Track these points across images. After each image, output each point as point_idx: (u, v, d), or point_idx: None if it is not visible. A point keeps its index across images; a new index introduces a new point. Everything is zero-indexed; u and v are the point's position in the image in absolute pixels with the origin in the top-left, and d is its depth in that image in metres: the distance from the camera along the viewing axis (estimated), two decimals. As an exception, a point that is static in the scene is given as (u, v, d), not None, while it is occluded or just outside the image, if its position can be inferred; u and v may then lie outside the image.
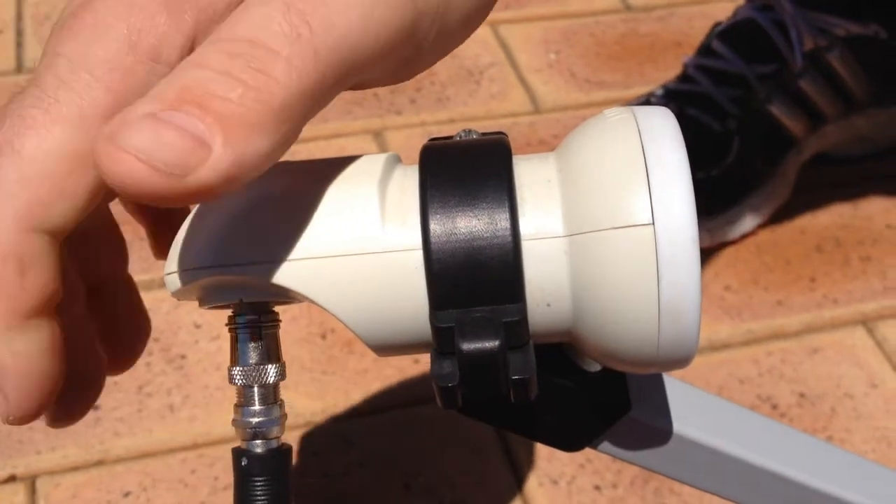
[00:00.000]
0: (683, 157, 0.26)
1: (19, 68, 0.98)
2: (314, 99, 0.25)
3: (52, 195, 0.26)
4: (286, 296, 0.28)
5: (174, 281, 0.28)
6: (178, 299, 0.29)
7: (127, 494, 0.65)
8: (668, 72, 0.98)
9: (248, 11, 0.25)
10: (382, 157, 0.28)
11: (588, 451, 0.34)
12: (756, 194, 0.83)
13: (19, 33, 1.02)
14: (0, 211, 0.26)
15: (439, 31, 0.28)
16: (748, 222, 0.83)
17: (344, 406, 0.71)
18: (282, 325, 0.30)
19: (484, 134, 0.29)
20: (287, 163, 0.29)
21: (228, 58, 0.24)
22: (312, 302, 0.27)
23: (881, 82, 0.84)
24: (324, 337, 0.75)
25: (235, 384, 0.29)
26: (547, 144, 0.92)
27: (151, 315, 0.39)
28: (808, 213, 0.86)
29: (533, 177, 0.28)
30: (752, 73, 0.82)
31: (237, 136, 0.23)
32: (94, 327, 0.35)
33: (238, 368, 0.29)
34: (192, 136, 0.23)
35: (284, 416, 0.29)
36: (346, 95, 0.85)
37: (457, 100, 0.95)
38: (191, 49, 0.27)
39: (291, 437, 0.69)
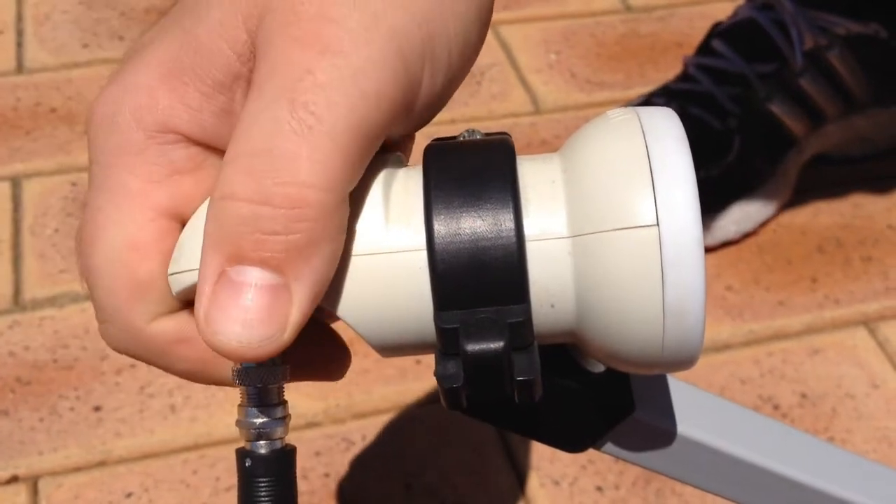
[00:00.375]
0: (688, 158, 0.26)
1: (20, 69, 0.98)
2: (347, 178, 0.25)
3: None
4: None
5: (179, 281, 0.28)
6: (181, 300, 0.29)
7: (129, 495, 0.65)
8: (668, 72, 0.98)
9: (257, 118, 0.25)
10: (387, 158, 0.28)
11: (590, 451, 0.34)
12: (757, 194, 0.83)
13: (19, 34, 1.02)
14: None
15: (436, 70, 0.28)
16: (749, 222, 0.83)
17: (345, 406, 0.71)
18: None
19: (487, 134, 0.29)
20: None
21: (253, 180, 0.25)
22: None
23: (881, 81, 0.84)
24: (325, 337, 0.75)
25: (239, 385, 0.29)
26: (548, 145, 0.92)
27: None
28: (809, 214, 0.86)
29: (537, 177, 0.27)
30: (752, 72, 0.82)
31: (302, 266, 0.25)
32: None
33: (242, 368, 0.28)
34: (268, 289, 0.25)
35: (288, 416, 0.29)
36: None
37: (458, 100, 0.95)
38: (199, 121, 0.28)
39: (293, 438, 0.68)
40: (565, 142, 0.29)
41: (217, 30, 0.27)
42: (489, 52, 1.02)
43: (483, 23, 0.29)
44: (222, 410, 0.70)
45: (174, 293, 0.29)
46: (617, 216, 0.26)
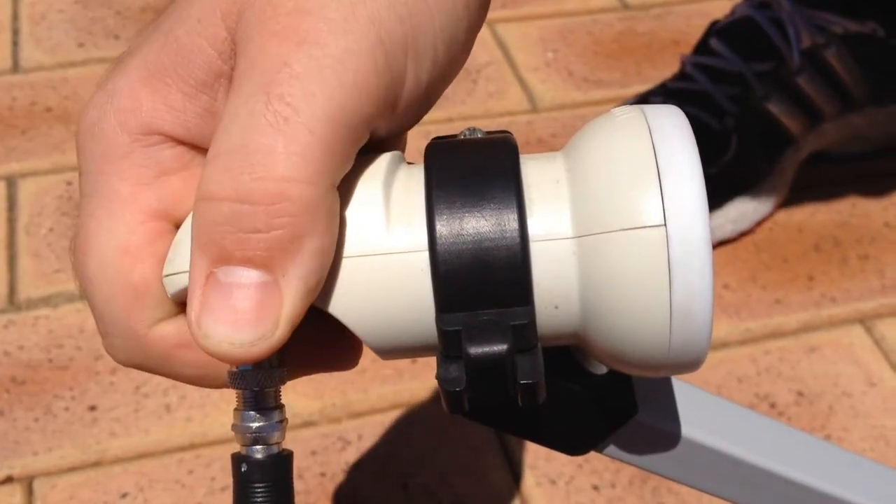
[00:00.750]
0: (695, 157, 0.26)
1: (15, 68, 0.98)
2: (329, 169, 0.25)
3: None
4: None
5: (174, 283, 0.28)
6: (177, 302, 0.29)
7: (124, 495, 0.65)
8: (665, 70, 0.97)
9: (235, 114, 0.25)
10: (386, 157, 0.28)
11: (587, 450, 0.34)
12: (754, 193, 0.83)
13: (15, 33, 1.02)
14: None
15: (421, 63, 0.27)
16: (746, 221, 0.83)
17: (341, 406, 0.71)
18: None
19: (489, 132, 0.29)
20: None
21: (231, 177, 0.24)
22: (315, 305, 0.27)
23: (878, 80, 0.84)
24: (321, 337, 0.74)
25: (235, 388, 0.28)
26: (545, 143, 0.92)
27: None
28: (806, 212, 0.86)
29: (541, 177, 0.27)
30: (749, 72, 0.82)
31: (288, 261, 0.25)
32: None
33: (237, 372, 0.28)
34: (256, 288, 0.25)
35: (285, 420, 0.29)
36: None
37: (454, 99, 0.95)
38: (183, 121, 0.27)
39: (289, 438, 0.68)
40: (569, 140, 0.28)
41: (196, 28, 0.27)
42: (486, 49, 1.02)
43: (472, 21, 0.29)
44: (217, 410, 0.70)
45: (169, 295, 0.28)
46: (623, 216, 0.25)
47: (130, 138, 0.27)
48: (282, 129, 0.24)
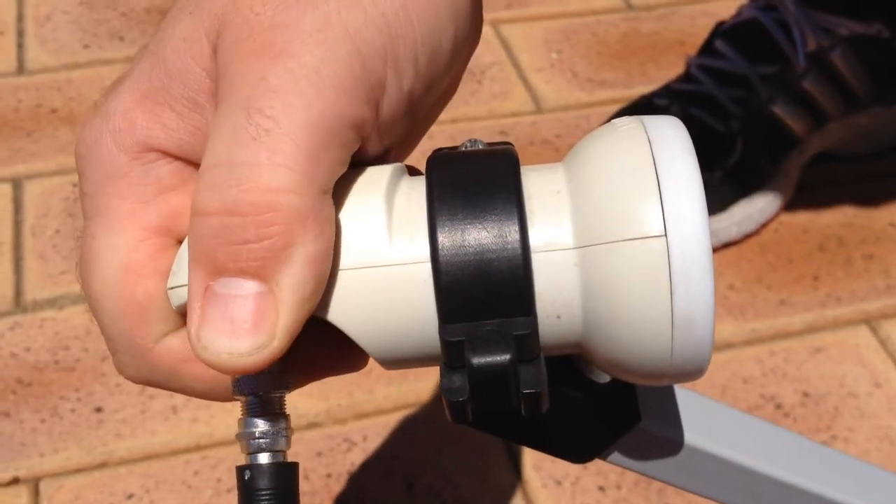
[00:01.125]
0: (695, 167, 0.26)
1: (20, 70, 0.98)
2: (316, 176, 0.25)
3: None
4: None
5: (178, 295, 0.28)
6: (182, 314, 0.29)
7: (130, 496, 0.65)
8: (670, 71, 0.97)
9: (218, 129, 0.26)
10: (388, 169, 0.28)
11: (593, 452, 0.34)
12: (759, 195, 0.83)
13: (20, 35, 1.02)
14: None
15: (401, 71, 0.28)
16: (751, 223, 0.83)
17: (347, 406, 0.71)
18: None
19: (490, 144, 0.29)
20: None
21: (218, 191, 0.25)
22: (319, 316, 0.27)
23: (884, 81, 0.84)
24: (326, 338, 0.74)
25: (238, 394, 0.28)
26: (549, 144, 0.92)
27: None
28: (810, 212, 0.86)
29: (542, 188, 0.27)
30: (754, 74, 0.82)
31: (281, 270, 0.25)
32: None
33: (239, 378, 0.28)
34: (251, 298, 0.25)
35: (290, 430, 0.29)
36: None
37: (458, 99, 0.95)
38: (177, 139, 0.28)
39: (294, 439, 0.68)
40: (570, 151, 0.29)
41: (182, 47, 0.27)
42: (490, 50, 1.02)
43: (459, 32, 0.29)
44: (224, 411, 0.70)
45: (174, 307, 0.28)
46: (624, 226, 0.25)
47: (128, 157, 0.28)
48: (264, 140, 0.25)
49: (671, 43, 1.04)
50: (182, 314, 0.29)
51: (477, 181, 0.27)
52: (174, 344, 0.29)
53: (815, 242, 0.84)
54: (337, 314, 0.27)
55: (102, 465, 0.67)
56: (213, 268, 0.25)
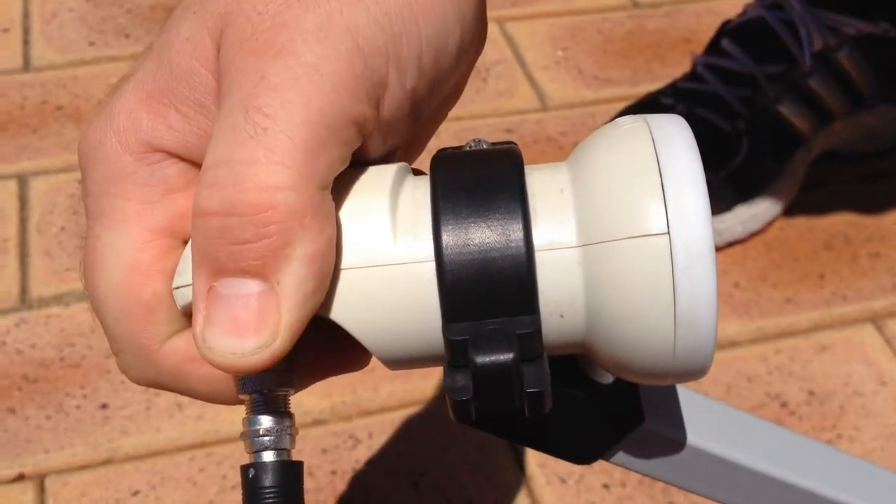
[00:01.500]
0: (698, 165, 0.26)
1: (26, 67, 0.98)
2: (315, 173, 0.25)
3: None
4: None
5: (183, 295, 0.28)
6: (186, 314, 0.29)
7: (136, 493, 0.65)
8: (675, 68, 0.97)
9: (219, 129, 0.26)
10: (392, 168, 0.28)
11: (597, 450, 0.34)
12: (764, 194, 0.83)
13: (26, 32, 1.02)
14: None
15: (404, 70, 0.27)
16: (756, 222, 0.83)
17: (351, 404, 0.71)
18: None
19: (494, 144, 0.29)
20: None
21: (217, 191, 0.25)
22: (322, 315, 0.27)
23: (890, 80, 0.84)
24: (331, 335, 0.74)
25: (242, 393, 0.28)
26: (555, 142, 0.92)
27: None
28: (816, 211, 0.86)
29: (545, 187, 0.27)
30: (761, 73, 0.82)
31: (282, 268, 0.25)
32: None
33: (247, 378, 0.28)
34: (253, 297, 0.25)
35: (295, 429, 0.29)
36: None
37: (464, 97, 0.94)
38: (183, 141, 0.28)
39: (299, 436, 0.69)
40: (574, 150, 0.29)
41: (186, 48, 0.27)
42: (495, 48, 1.02)
43: (465, 33, 0.29)
44: (228, 409, 0.70)
45: (179, 307, 0.28)
46: (627, 224, 0.25)
47: (133, 157, 0.28)
48: (261, 139, 0.25)
49: (677, 40, 1.04)
50: (187, 314, 0.29)
51: (481, 180, 0.27)
52: (179, 345, 0.29)
53: (820, 241, 0.84)
54: (340, 313, 0.27)
55: (108, 462, 0.67)
56: (215, 268, 0.25)
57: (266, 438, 0.28)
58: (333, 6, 0.26)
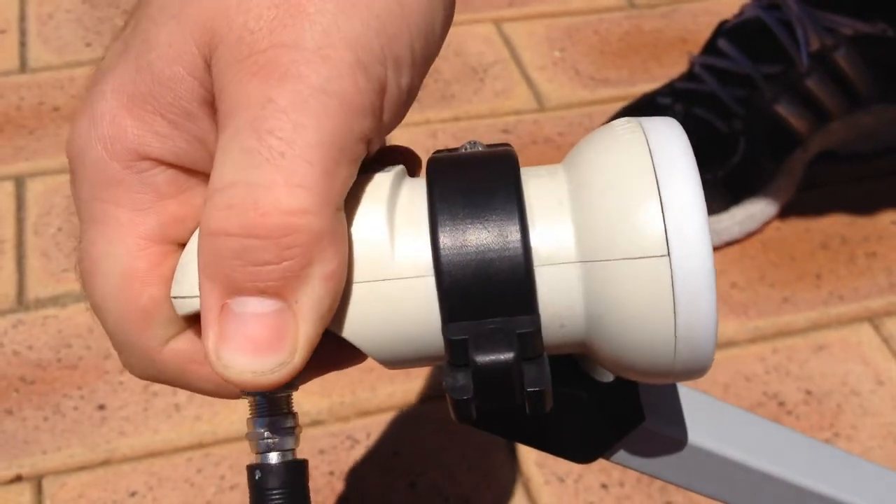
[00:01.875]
0: (696, 181, 0.26)
1: (23, 68, 0.98)
2: (332, 193, 0.25)
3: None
4: None
5: (183, 305, 0.28)
6: (188, 320, 0.29)
7: (133, 494, 0.65)
8: (672, 68, 0.97)
9: (229, 152, 0.25)
10: (389, 178, 0.28)
11: (596, 450, 0.34)
12: (761, 194, 0.83)
13: (23, 33, 1.02)
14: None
15: (400, 69, 0.28)
16: (753, 222, 0.83)
17: (350, 404, 0.71)
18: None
19: (490, 146, 0.29)
20: None
21: (236, 213, 0.25)
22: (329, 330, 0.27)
23: (887, 80, 0.84)
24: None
25: (248, 396, 0.28)
26: (552, 142, 0.92)
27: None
28: (813, 211, 0.86)
29: (541, 190, 0.27)
30: (758, 74, 0.82)
31: (301, 288, 0.25)
32: None
33: None
34: (272, 316, 0.25)
35: (299, 428, 0.29)
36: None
37: (461, 97, 0.95)
38: (171, 147, 0.27)
39: (297, 436, 0.69)
40: (570, 152, 0.29)
41: (169, 53, 0.27)
42: (492, 48, 1.02)
43: (447, 13, 0.29)
44: (227, 409, 0.70)
45: (179, 315, 0.28)
46: (627, 245, 0.26)
47: (121, 165, 0.28)
48: (279, 163, 0.25)
49: (673, 40, 1.04)
50: (188, 321, 0.29)
51: (477, 182, 0.27)
52: (181, 347, 0.29)
53: (817, 241, 0.84)
54: (341, 326, 0.27)
55: (105, 463, 0.67)
56: (230, 287, 0.25)
57: (270, 440, 0.28)
58: (329, 20, 0.26)
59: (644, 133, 0.27)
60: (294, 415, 0.29)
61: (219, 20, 0.26)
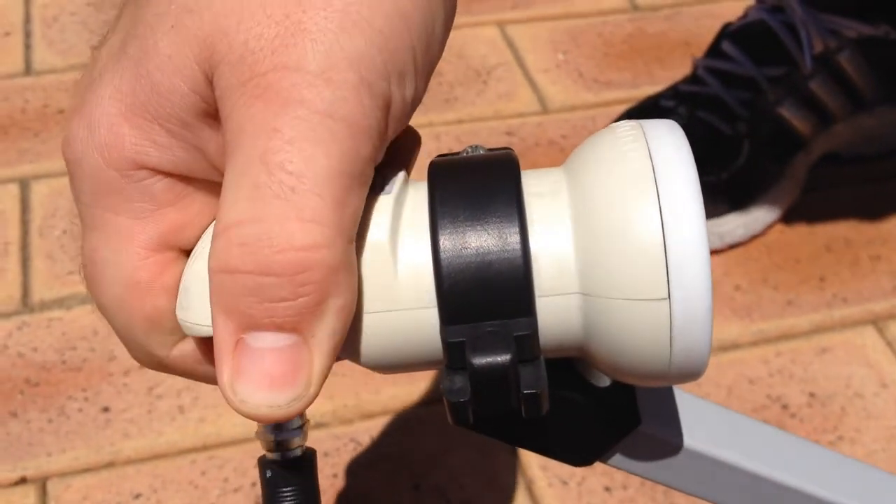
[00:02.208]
0: (701, 219, 0.26)
1: (28, 70, 0.98)
2: (345, 224, 0.25)
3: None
4: None
5: (191, 329, 0.28)
6: (194, 340, 0.29)
7: (137, 496, 0.66)
8: (675, 71, 0.97)
9: (238, 185, 0.25)
10: (392, 196, 0.28)
11: (599, 452, 0.34)
12: (765, 195, 0.83)
13: (28, 35, 1.02)
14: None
15: (403, 81, 0.27)
16: (757, 224, 0.83)
17: (353, 407, 0.71)
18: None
19: (491, 150, 0.29)
20: None
21: (250, 251, 0.25)
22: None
23: (891, 82, 0.84)
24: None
25: None
26: (556, 144, 0.92)
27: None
28: (817, 213, 0.86)
29: (542, 189, 0.28)
30: (762, 76, 0.82)
31: (316, 323, 0.25)
32: None
33: None
34: (287, 351, 0.25)
35: (307, 423, 0.30)
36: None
37: (464, 100, 0.95)
38: (169, 157, 0.27)
39: (301, 439, 0.69)
40: (571, 156, 0.29)
41: (168, 65, 0.26)
42: (496, 51, 1.02)
43: (448, 13, 0.29)
44: (231, 411, 0.70)
45: (187, 335, 0.29)
46: (628, 287, 0.26)
47: (119, 174, 0.27)
48: (290, 199, 0.25)
49: (677, 43, 1.04)
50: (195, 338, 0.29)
51: (478, 186, 0.27)
52: (187, 349, 0.29)
53: (821, 243, 0.84)
54: (345, 355, 0.28)
55: (110, 465, 0.67)
56: (245, 323, 0.25)
57: (280, 437, 0.29)
58: (331, 38, 0.25)
59: (646, 143, 0.27)
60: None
61: (218, 36, 0.26)
